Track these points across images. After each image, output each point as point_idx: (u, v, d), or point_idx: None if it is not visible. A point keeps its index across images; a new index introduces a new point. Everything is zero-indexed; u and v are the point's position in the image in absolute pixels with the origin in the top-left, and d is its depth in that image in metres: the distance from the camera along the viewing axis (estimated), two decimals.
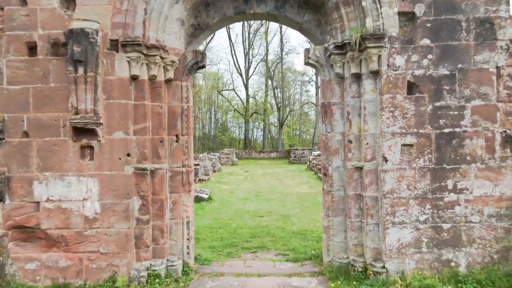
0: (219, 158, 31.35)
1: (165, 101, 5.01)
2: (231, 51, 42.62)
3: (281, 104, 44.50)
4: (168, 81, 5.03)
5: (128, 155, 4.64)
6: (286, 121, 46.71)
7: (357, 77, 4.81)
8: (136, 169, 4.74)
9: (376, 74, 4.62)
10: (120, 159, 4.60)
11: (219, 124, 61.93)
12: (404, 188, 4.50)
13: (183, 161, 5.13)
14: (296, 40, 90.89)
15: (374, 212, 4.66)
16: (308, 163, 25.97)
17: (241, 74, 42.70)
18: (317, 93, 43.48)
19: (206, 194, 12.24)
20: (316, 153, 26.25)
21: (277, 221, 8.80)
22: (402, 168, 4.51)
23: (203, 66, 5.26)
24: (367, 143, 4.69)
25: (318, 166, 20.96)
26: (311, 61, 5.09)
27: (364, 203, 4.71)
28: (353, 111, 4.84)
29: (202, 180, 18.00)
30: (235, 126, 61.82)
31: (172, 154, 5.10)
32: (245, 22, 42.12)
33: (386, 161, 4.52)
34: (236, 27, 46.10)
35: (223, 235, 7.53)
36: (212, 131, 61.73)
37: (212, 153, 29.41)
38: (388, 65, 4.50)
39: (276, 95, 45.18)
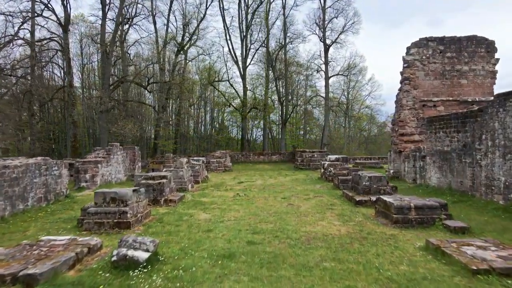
0: (208, 163, 25.20)
1: None
2: (226, 35, 36.31)
3: (284, 98, 38.22)
4: None
5: None
6: (289, 118, 40.42)
7: None
8: None
9: None
10: None
11: (215, 123, 55.81)
12: None
13: None
14: (302, 22, 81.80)
15: None
16: (322, 170, 19.75)
17: (237, 63, 36.46)
18: (326, 85, 37.26)
19: (146, 251, 6.00)
20: (332, 157, 20.04)
21: None
22: None
23: None
24: None
25: (340, 177, 14.81)
26: None
27: None
28: None
29: (170, 201, 11.80)
30: (234, 125, 55.81)
31: None
32: (242, 0, 35.93)
33: None
34: (232, 9, 39.86)
35: None
36: (208, 130, 55.63)
37: (196, 157, 23.15)
38: None
39: (278, 88, 38.89)
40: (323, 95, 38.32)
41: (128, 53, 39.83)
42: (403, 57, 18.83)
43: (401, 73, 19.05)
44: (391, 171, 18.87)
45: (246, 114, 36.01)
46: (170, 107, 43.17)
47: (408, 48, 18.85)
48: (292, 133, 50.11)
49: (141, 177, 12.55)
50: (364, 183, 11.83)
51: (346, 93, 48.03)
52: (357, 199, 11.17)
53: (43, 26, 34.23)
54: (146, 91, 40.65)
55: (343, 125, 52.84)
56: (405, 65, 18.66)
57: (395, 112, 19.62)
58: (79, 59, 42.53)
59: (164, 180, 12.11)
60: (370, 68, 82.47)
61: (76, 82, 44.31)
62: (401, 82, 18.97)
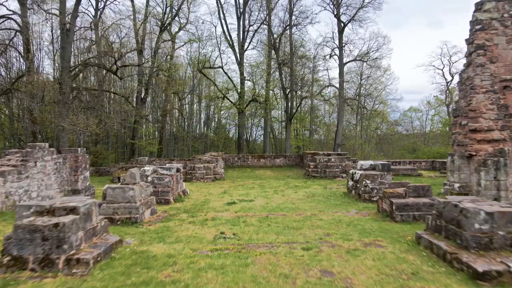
0: (193, 170, 19.21)
1: None
2: (219, 13, 30.14)
3: (290, 89, 31.99)
4: None
5: None
6: (296, 113, 34.22)
7: None
8: None
9: None
10: None
11: (209, 121, 49.82)
12: None
13: None
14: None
15: None
16: (350, 182, 13.60)
17: (232, 47, 30.27)
18: (340, 73, 31.09)
19: None
20: (366, 164, 13.93)
21: None
22: None
23: None
24: None
25: (396, 200, 8.78)
26: None
27: None
28: None
29: (78, 263, 5.68)
30: (232, 124, 49.88)
31: None
32: None
33: None
34: None
35: None
36: (203, 129, 49.70)
37: (166, 163, 16.95)
38: None
39: (282, 77, 32.64)
40: (337, 85, 32.19)
41: (106, 38, 33.92)
42: (474, 15, 12.72)
43: (469, 41, 12.95)
44: (456, 185, 12.75)
45: (244, 107, 29.86)
46: (156, 100, 37.08)
47: (481, 3, 12.74)
48: (296, 131, 43.96)
49: (30, 209, 6.42)
50: (476, 225, 5.73)
51: (359, 87, 41.79)
52: (480, 270, 5.03)
53: (1, 4, 28.29)
54: (136, 85, 34.82)
55: (355, 123, 46.71)
56: (478, 26, 12.55)
57: (459, 97, 13.51)
58: (50, 44, 36.49)
59: (68, 219, 5.99)
60: (385, 58, 76.02)
61: (50, 74, 38.44)
62: (469, 54, 12.86)
